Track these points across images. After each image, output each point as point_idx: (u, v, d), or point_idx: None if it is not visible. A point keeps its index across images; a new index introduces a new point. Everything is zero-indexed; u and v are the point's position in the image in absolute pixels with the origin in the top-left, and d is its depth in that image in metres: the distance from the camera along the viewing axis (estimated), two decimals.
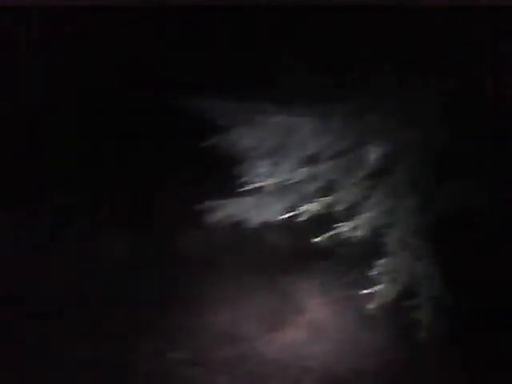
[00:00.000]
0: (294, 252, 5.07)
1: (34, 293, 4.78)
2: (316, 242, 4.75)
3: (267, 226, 4.89)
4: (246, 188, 4.85)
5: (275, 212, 4.86)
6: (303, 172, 4.81)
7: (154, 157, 5.32)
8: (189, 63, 5.20)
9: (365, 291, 4.59)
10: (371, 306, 4.56)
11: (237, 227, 4.87)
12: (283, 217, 4.84)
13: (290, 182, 4.83)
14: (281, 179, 4.85)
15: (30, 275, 4.86)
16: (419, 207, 4.67)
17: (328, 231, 4.71)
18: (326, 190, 4.79)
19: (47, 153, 5.26)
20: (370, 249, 4.66)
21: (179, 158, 5.25)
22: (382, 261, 4.61)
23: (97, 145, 5.34)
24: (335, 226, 4.69)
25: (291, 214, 4.82)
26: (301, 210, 4.78)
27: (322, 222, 4.75)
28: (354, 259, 4.80)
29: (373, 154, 4.67)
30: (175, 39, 5.26)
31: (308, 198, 4.79)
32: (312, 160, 4.82)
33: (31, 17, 5.17)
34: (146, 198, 5.34)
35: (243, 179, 4.84)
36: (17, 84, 5.30)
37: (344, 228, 4.68)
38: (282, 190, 4.87)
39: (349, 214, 4.72)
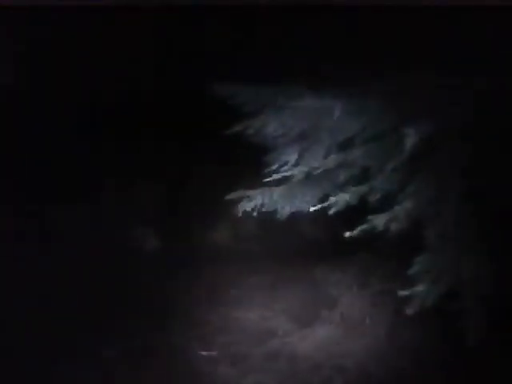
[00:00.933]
0: (326, 244, 4.79)
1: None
2: (349, 236, 4.25)
3: (298, 217, 4.58)
4: (275, 177, 4.51)
5: (306, 202, 4.49)
6: (335, 159, 4.41)
7: (177, 148, 5.11)
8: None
9: (402, 292, 4.06)
10: (410, 308, 4.05)
11: (266, 218, 4.59)
12: (314, 207, 4.42)
13: (321, 169, 4.43)
14: (311, 167, 4.46)
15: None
16: (465, 196, 4.15)
17: (362, 223, 4.22)
18: (359, 178, 4.38)
19: (47, 153, 5.27)
20: (409, 243, 4.18)
21: (204, 148, 5.00)
22: (422, 257, 4.10)
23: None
24: (370, 217, 4.21)
25: (323, 204, 4.38)
26: (333, 200, 4.34)
27: (356, 212, 4.30)
28: (391, 255, 4.44)
29: (411, 138, 4.12)
30: (175, 39, 5.27)
31: (341, 187, 4.39)
32: (344, 146, 4.44)
33: (31, 17, 5.17)
34: (172, 190, 5.20)
35: (271, 168, 4.53)
36: (16, 84, 5.31)
37: (379, 220, 4.19)
38: (313, 178, 4.48)
39: (385, 204, 4.26)
